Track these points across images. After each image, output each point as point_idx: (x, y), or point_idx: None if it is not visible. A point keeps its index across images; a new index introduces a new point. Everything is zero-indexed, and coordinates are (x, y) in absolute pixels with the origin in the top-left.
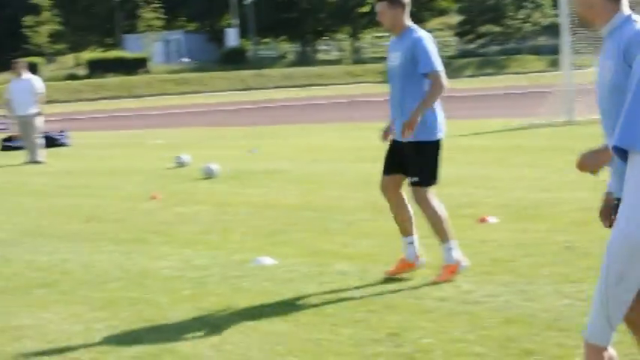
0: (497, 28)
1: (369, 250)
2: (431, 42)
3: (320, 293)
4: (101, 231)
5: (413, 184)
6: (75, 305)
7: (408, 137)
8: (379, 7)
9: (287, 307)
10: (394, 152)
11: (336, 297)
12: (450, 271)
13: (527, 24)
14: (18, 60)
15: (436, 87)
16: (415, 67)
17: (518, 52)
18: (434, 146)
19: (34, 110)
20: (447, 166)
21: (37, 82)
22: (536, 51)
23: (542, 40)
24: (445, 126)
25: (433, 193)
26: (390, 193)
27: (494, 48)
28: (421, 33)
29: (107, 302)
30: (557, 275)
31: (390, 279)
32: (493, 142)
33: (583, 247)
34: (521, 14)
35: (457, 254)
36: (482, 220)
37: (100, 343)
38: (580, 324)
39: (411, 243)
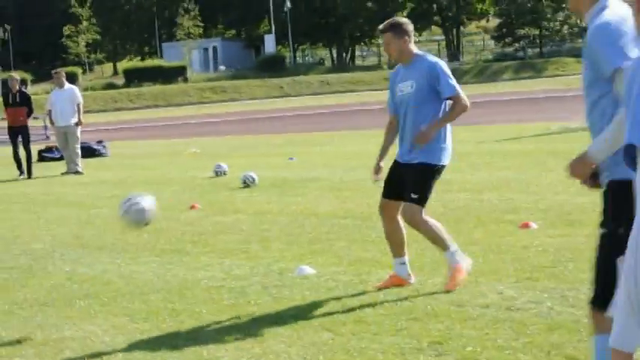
0: (535, 31)
1: (408, 258)
2: (445, 66)
3: (361, 302)
4: (140, 242)
5: (412, 200)
6: (116, 317)
7: (419, 149)
8: (385, 39)
9: (328, 316)
10: (395, 175)
11: (377, 305)
12: (459, 271)
13: (566, 26)
14: (59, 70)
15: (460, 106)
16: (430, 92)
17: (556, 54)
18: (438, 170)
19: (74, 120)
20: (486, 170)
21: (77, 92)
22: (575, 53)
23: (580, 43)
24: (451, 153)
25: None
26: (388, 215)
27: (533, 51)
28: (435, 58)
29: (148, 313)
30: None
31: (430, 287)
32: (532, 146)
33: None
34: (560, 16)
35: (460, 256)
36: (525, 226)
37: (142, 355)
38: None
39: (403, 263)
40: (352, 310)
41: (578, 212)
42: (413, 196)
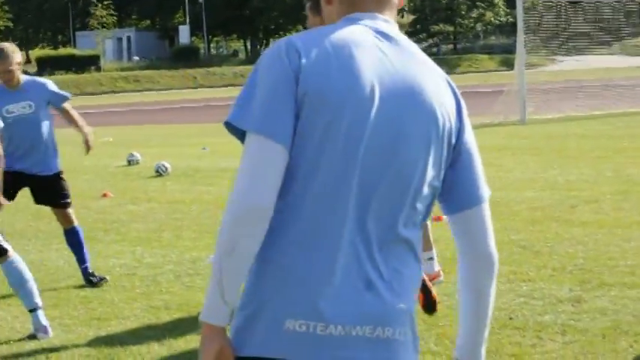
0: (449, 28)
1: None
2: None
3: None
4: (51, 229)
5: None
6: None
7: None
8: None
9: None
10: None
11: None
12: (431, 279)
13: (480, 23)
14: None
15: None
16: None
17: (470, 51)
18: None
19: None
20: None
21: None
22: (489, 50)
23: (494, 40)
24: None
25: None
26: None
27: (447, 47)
28: None
29: (59, 300)
30: (512, 274)
31: None
32: None
33: (536, 246)
34: (474, 14)
35: (436, 265)
36: (438, 219)
37: (52, 342)
38: (535, 323)
39: (431, 259)
40: None
41: (491, 206)
42: None
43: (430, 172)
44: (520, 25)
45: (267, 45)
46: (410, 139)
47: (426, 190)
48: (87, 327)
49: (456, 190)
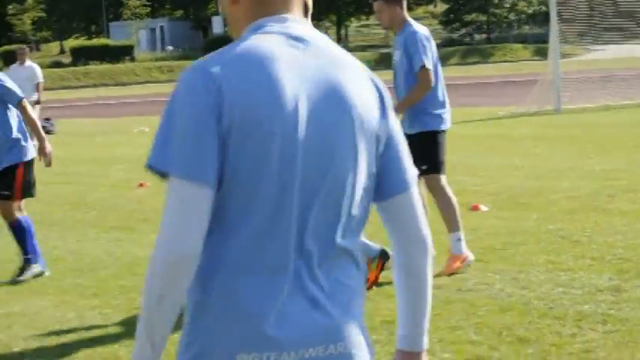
0: (483, 17)
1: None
2: (423, 37)
3: None
4: (89, 219)
5: (424, 172)
6: (66, 293)
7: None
8: (376, 7)
9: None
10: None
11: None
12: (460, 261)
13: (513, 13)
14: (24, 47)
15: (421, 85)
16: (410, 61)
17: (503, 40)
18: (434, 136)
19: (33, 98)
20: None
21: (37, 70)
22: (522, 40)
23: (527, 29)
24: (450, 116)
25: (446, 182)
26: (428, 192)
27: (480, 36)
28: (418, 27)
29: (98, 290)
30: (550, 263)
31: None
32: (480, 130)
33: (574, 235)
34: (507, 3)
35: (464, 247)
36: (475, 208)
37: (92, 330)
38: (575, 312)
39: (459, 240)
40: None
41: (528, 195)
42: (423, 167)
43: (362, 176)
44: (553, 14)
45: None
46: (340, 149)
47: (360, 194)
48: (127, 316)
49: (385, 178)
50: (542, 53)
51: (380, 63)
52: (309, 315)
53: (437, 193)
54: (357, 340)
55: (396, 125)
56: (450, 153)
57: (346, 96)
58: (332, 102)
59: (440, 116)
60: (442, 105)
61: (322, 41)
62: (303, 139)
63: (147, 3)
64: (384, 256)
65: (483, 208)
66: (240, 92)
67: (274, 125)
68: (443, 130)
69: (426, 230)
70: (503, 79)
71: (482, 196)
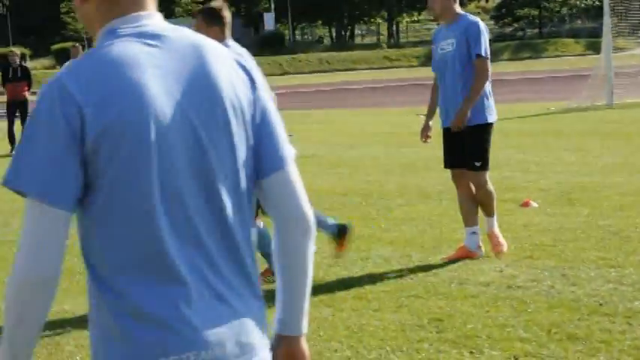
0: (535, 12)
1: (409, 236)
2: (485, 29)
3: (362, 279)
4: None
5: (476, 169)
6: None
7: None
8: None
9: (329, 292)
10: (450, 141)
11: (378, 282)
12: (469, 256)
13: (565, 7)
14: (77, 45)
15: (481, 74)
16: (469, 51)
17: (556, 35)
18: (487, 129)
19: None
20: None
21: None
22: (574, 34)
23: (579, 24)
24: (495, 110)
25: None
26: (459, 184)
27: (532, 31)
28: (476, 18)
29: None
30: (600, 260)
31: (431, 264)
32: (531, 126)
33: (625, 231)
34: None
35: (478, 241)
36: (525, 204)
37: None
38: (625, 309)
39: (474, 233)
40: (353, 286)
41: (579, 191)
42: (476, 164)
43: (242, 165)
44: (606, 8)
45: (352, 31)
46: (215, 138)
47: (244, 181)
48: None
49: (260, 158)
50: (594, 48)
51: (430, 59)
52: (216, 310)
53: (482, 187)
54: (260, 330)
55: (268, 104)
56: (501, 149)
57: (213, 83)
58: (199, 92)
59: (492, 108)
60: (491, 96)
61: (179, 33)
62: (176, 135)
63: (198, 0)
64: (343, 228)
65: (534, 204)
66: (100, 104)
67: (143, 129)
68: (492, 123)
69: (307, 209)
70: (554, 74)
71: (533, 192)
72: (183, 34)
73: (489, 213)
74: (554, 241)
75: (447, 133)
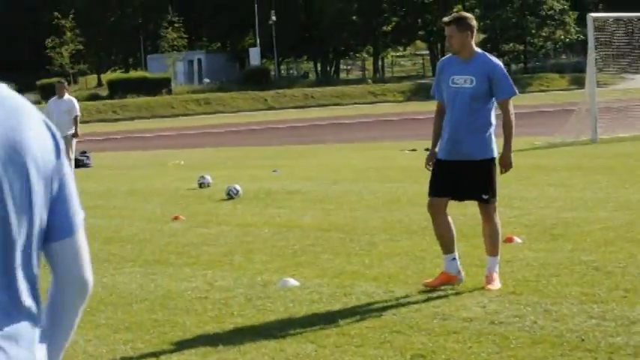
0: (520, 47)
1: (392, 271)
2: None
3: (345, 314)
4: (124, 252)
5: (486, 201)
6: (99, 327)
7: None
8: (448, 31)
9: (312, 328)
10: (443, 173)
11: (361, 318)
12: (449, 280)
13: (550, 42)
14: (62, 80)
15: (511, 114)
16: (488, 91)
17: (540, 70)
18: (493, 162)
19: (70, 132)
20: None
21: (75, 103)
22: (559, 69)
23: (564, 59)
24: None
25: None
26: (439, 213)
27: (517, 66)
28: (497, 60)
29: (131, 324)
30: (583, 295)
31: (414, 300)
32: (516, 160)
33: (608, 267)
34: (544, 32)
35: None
36: (509, 240)
37: None
38: (607, 345)
39: (454, 259)
40: (336, 322)
41: (562, 227)
42: (484, 197)
43: (37, 225)
44: (591, 43)
45: (337, 66)
46: (16, 199)
47: (36, 244)
48: (160, 350)
49: (53, 222)
50: (579, 82)
51: (416, 94)
52: None
53: (491, 218)
54: None
55: (67, 168)
56: None
57: (24, 146)
58: (8, 154)
59: (495, 142)
60: (492, 129)
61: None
62: None
63: (184, 35)
64: None
65: (517, 239)
66: None
67: None
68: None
69: (89, 273)
70: (539, 108)
71: (517, 227)
72: (2, 95)
73: (494, 252)
74: (537, 277)
75: (446, 164)
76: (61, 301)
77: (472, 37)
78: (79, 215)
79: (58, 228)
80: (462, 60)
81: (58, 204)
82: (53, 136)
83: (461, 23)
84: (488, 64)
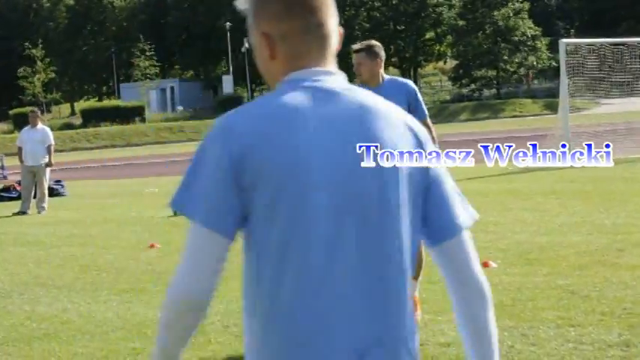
0: (492, 72)
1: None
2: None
3: None
4: (99, 280)
5: None
6: (76, 356)
7: None
8: (357, 59)
9: None
10: None
11: None
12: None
13: (522, 68)
14: (35, 109)
15: (432, 132)
16: (408, 110)
17: (513, 95)
18: None
19: (44, 161)
20: None
21: (49, 133)
22: (532, 94)
23: (537, 84)
24: None
25: None
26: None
27: (489, 92)
28: (411, 82)
29: (108, 352)
30: (560, 319)
31: None
32: (490, 186)
33: (584, 290)
34: (517, 58)
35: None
36: (485, 265)
37: None
38: None
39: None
40: None
41: (538, 251)
42: None
43: (406, 227)
44: (563, 68)
45: None
46: (373, 197)
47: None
48: None
49: (432, 223)
50: (552, 107)
51: None
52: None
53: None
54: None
55: (439, 169)
56: None
57: (377, 144)
58: (352, 158)
59: None
60: None
61: (352, 92)
62: (332, 190)
63: (157, 64)
64: None
65: (493, 264)
66: (263, 149)
67: (302, 177)
68: None
69: (480, 273)
70: (512, 134)
71: (492, 252)
72: (356, 95)
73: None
74: (513, 301)
75: None
76: (466, 312)
77: (381, 67)
78: (462, 214)
79: (438, 229)
80: (371, 89)
81: (434, 205)
82: (415, 136)
83: (371, 52)
84: (400, 85)
